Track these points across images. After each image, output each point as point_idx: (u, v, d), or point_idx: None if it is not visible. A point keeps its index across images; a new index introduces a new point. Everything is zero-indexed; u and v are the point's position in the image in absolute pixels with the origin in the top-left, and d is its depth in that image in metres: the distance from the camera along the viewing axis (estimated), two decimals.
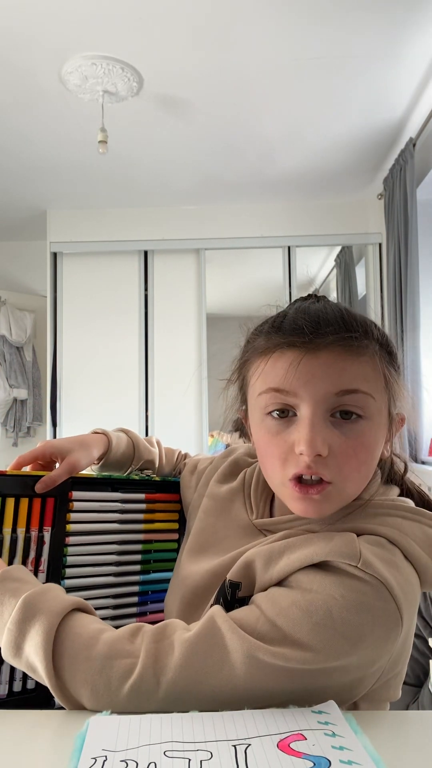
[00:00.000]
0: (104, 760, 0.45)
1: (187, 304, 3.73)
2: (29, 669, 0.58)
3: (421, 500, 0.70)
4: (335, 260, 3.96)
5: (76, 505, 0.83)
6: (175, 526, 0.94)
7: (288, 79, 2.41)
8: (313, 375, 0.59)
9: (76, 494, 0.83)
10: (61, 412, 3.75)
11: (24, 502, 0.79)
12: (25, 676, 0.75)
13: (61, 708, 0.58)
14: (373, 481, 0.67)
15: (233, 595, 0.61)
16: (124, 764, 0.45)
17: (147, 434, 3.68)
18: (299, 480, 0.60)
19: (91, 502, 0.85)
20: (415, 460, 2.94)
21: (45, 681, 0.56)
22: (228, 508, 0.75)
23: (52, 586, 0.62)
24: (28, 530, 0.79)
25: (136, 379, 3.71)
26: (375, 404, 0.61)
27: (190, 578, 0.71)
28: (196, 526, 0.78)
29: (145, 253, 3.77)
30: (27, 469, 0.84)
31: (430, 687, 1.32)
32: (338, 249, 3.89)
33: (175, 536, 0.93)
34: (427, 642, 1.41)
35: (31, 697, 0.75)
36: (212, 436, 3.69)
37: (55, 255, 3.80)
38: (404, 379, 0.67)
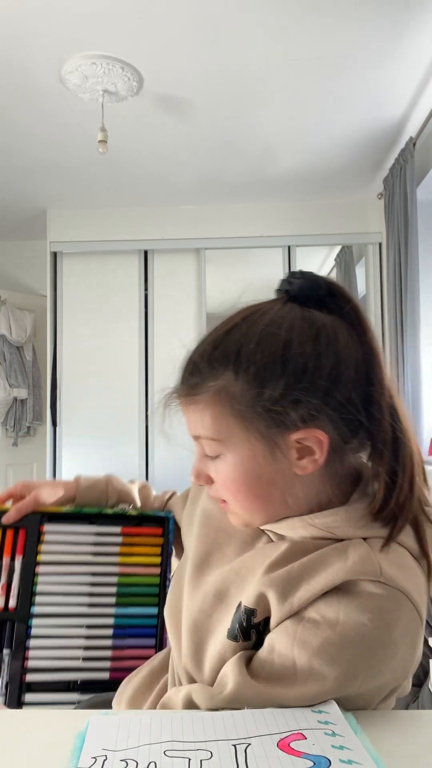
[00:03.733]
0: (104, 760, 0.45)
1: (187, 304, 3.73)
2: None
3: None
4: (335, 260, 3.96)
5: (48, 537, 0.93)
6: (157, 560, 0.96)
7: (288, 79, 2.41)
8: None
9: (47, 527, 0.93)
10: (61, 412, 3.75)
11: None
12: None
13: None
14: (338, 513, 0.60)
15: (249, 621, 0.60)
16: (124, 764, 0.45)
17: (147, 433, 3.68)
18: None
19: (63, 535, 0.94)
20: None
21: None
22: (220, 518, 0.72)
23: None
24: (0, 557, 0.90)
25: (136, 379, 3.71)
26: (226, 444, 0.61)
27: (198, 592, 0.68)
28: (194, 543, 0.74)
29: (145, 253, 3.77)
30: (9, 504, 0.95)
31: (430, 687, 1.32)
32: (338, 249, 3.89)
33: (157, 571, 0.95)
34: (427, 642, 1.41)
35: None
36: None
37: (55, 255, 3.79)
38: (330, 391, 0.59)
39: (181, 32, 2.13)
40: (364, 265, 3.75)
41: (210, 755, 0.46)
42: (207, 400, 0.61)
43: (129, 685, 0.77)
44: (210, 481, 0.65)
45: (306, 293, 0.62)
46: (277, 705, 0.54)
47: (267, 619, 0.59)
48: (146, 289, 3.76)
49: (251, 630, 0.60)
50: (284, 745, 0.47)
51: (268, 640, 0.58)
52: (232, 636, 0.60)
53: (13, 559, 0.90)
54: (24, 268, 4.28)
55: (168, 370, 0.69)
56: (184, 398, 0.64)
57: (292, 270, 0.66)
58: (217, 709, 0.56)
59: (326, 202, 3.67)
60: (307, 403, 0.58)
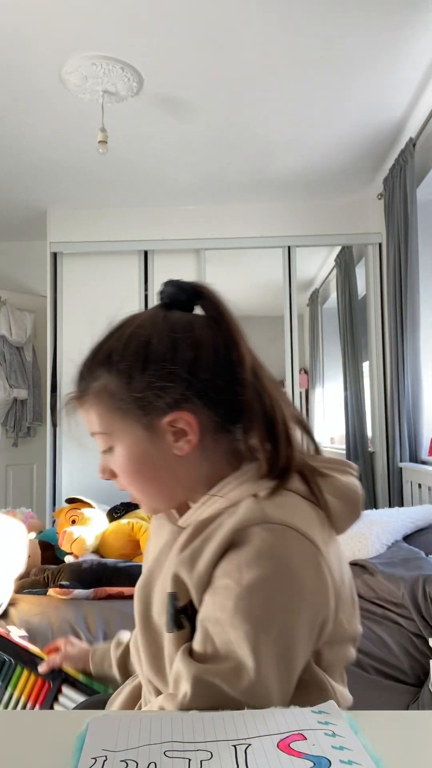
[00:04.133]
0: (104, 760, 0.45)
1: None
2: None
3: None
4: (335, 260, 3.96)
5: (62, 699, 1.00)
6: None
7: (288, 79, 2.41)
8: None
9: (65, 689, 1.01)
10: (61, 412, 3.74)
11: (33, 677, 1.02)
12: None
13: None
14: (229, 484, 0.66)
15: (174, 606, 0.62)
16: (124, 764, 0.45)
17: None
18: None
19: (72, 702, 1.00)
20: (416, 460, 2.94)
21: None
22: (160, 536, 0.74)
23: None
24: (27, 699, 1.01)
25: None
26: (113, 436, 0.69)
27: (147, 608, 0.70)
28: (142, 575, 0.75)
29: (145, 253, 3.77)
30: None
31: (430, 687, 1.32)
32: (338, 249, 3.89)
33: None
34: (427, 642, 1.41)
35: None
36: None
37: (55, 255, 3.79)
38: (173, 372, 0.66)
39: (180, 32, 2.13)
40: (364, 266, 3.75)
41: (210, 756, 0.46)
42: (91, 400, 0.70)
43: (114, 705, 0.79)
44: (114, 474, 0.71)
45: (173, 298, 0.72)
46: (238, 679, 0.55)
47: (189, 603, 0.62)
48: (146, 289, 3.76)
49: (180, 616, 0.62)
50: (284, 746, 0.47)
51: (198, 622, 0.61)
52: (168, 628, 0.63)
53: (33, 706, 1.00)
54: (24, 268, 4.28)
55: None
56: (74, 401, 0.73)
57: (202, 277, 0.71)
58: (190, 710, 0.56)
59: (326, 202, 3.67)
60: (170, 389, 0.65)
